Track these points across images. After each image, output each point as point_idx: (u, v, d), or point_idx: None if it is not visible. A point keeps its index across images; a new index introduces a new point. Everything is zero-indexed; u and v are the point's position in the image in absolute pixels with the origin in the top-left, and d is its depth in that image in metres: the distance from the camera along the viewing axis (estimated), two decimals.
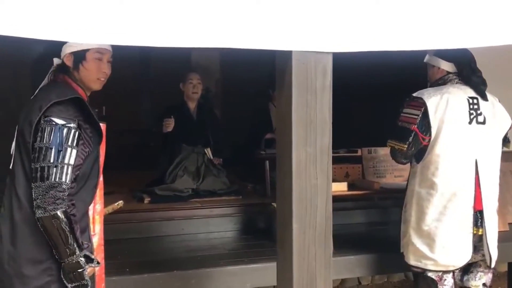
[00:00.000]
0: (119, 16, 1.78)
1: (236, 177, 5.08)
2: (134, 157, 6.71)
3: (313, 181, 2.06)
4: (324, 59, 2.07)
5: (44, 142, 1.88)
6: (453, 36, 2.16)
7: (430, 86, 3.04)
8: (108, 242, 2.37)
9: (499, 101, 3.04)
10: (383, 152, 4.23)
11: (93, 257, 1.99)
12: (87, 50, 2.08)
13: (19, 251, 1.94)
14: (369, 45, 2.10)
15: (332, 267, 2.14)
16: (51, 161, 1.86)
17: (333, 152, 2.13)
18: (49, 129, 1.89)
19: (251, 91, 6.89)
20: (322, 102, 2.07)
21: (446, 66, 2.99)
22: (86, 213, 2.05)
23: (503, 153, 3.06)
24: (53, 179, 1.85)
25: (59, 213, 1.85)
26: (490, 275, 3.05)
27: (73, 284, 1.93)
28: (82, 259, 1.93)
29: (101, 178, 2.14)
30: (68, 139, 1.90)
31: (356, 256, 3.49)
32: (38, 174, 1.87)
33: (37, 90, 2.03)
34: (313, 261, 2.08)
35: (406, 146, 2.88)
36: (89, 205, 2.08)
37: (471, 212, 2.86)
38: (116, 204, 2.57)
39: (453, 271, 2.95)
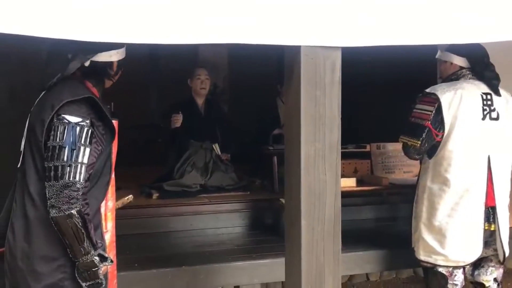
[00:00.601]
0: (128, 14, 1.78)
1: (244, 173, 5.08)
2: (142, 152, 6.73)
3: (322, 176, 2.06)
4: (333, 54, 2.06)
5: (57, 141, 1.86)
6: (464, 30, 2.14)
7: (442, 82, 3.02)
8: (117, 237, 2.35)
9: None
10: (392, 147, 4.21)
11: (106, 255, 1.99)
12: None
13: (33, 248, 1.92)
14: (378, 39, 2.08)
15: (341, 263, 2.13)
16: (65, 160, 1.84)
17: (341, 148, 2.11)
18: (62, 127, 1.87)
19: (259, 87, 6.87)
20: (331, 98, 2.06)
21: (459, 61, 2.96)
22: (98, 210, 2.04)
23: None
24: (67, 179, 1.84)
25: (73, 212, 1.84)
26: (501, 271, 3.04)
27: (88, 283, 1.92)
28: (97, 258, 1.92)
29: (113, 175, 2.13)
30: (81, 137, 1.88)
31: (365, 252, 3.48)
32: (52, 173, 1.85)
33: (48, 87, 1.98)
34: (322, 257, 2.08)
35: (419, 142, 2.86)
36: (101, 202, 2.07)
37: (483, 208, 2.84)
38: (126, 198, 2.57)
39: (464, 267, 2.94)
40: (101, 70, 2.08)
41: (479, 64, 2.92)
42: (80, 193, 1.86)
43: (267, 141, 5.25)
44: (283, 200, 3.84)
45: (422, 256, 2.99)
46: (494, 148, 2.86)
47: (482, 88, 2.88)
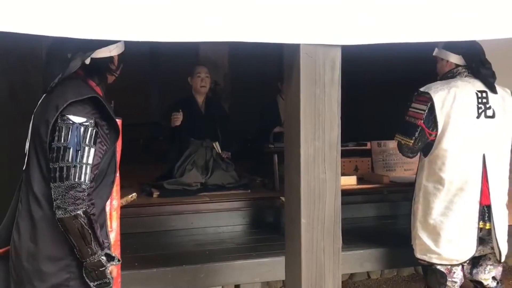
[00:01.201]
0: (128, 12, 1.77)
1: (245, 171, 5.07)
2: (143, 150, 6.72)
3: (322, 175, 2.05)
4: (332, 52, 2.05)
5: (62, 141, 1.85)
6: (462, 28, 2.13)
7: (439, 80, 3.01)
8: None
9: None
10: (393, 145, 4.20)
11: (113, 255, 1.99)
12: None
13: (39, 248, 1.92)
14: (378, 37, 2.08)
15: (341, 262, 2.12)
16: (70, 161, 1.84)
17: (342, 146, 2.11)
18: (66, 128, 1.86)
19: (260, 85, 6.89)
20: (331, 96, 2.05)
21: (455, 59, 2.95)
22: (103, 209, 2.04)
23: None
24: (72, 179, 1.83)
25: (79, 213, 1.83)
26: (500, 269, 3.03)
27: (96, 283, 1.92)
28: (104, 257, 1.92)
29: (117, 174, 2.12)
30: (86, 138, 1.87)
31: (366, 250, 3.47)
32: (57, 174, 1.84)
33: (51, 86, 1.96)
34: (322, 256, 2.07)
35: (412, 141, 2.87)
36: (106, 201, 2.07)
37: (477, 207, 2.83)
38: (129, 196, 2.56)
39: (462, 264, 2.93)
40: (102, 66, 2.06)
41: (475, 61, 2.91)
42: (86, 193, 1.86)
43: (267, 139, 5.25)
44: (283, 199, 3.84)
45: (418, 254, 2.99)
46: (489, 146, 2.84)
47: (477, 86, 2.87)
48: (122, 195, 2.50)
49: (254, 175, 5.11)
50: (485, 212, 2.85)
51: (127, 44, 2.09)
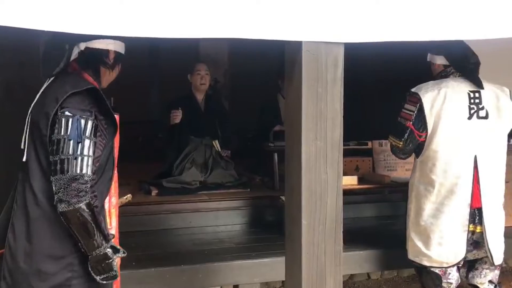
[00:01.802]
0: (128, 7, 1.74)
1: (244, 169, 5.03)
2: (142, 148, 6.68)
3: (323, 175, 2.01)
4: (335, 50, 2.02)
5: (62, 133, 1.83)
6: (468, 26, 2.09)
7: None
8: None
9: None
10: None
11: (118, 247, 1.96)
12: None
13: (36, 247, 1.88)
14: (381, 35, 2.04)
15: (342, 263, 2.09)
16: (71, 153, 1.81)
17: (343, 145, 2.07)
18: (66, 120, 1.84)
19: (260, 82, 6.82)
20: (333, 94, 2.01)
21: (440, 60, 2.90)
22: (102, 206, 2.01)
23: (510, 146, 2.98)
24: (74, 171, 1.80)
25: (83, 205, 1.80)
26: (497, 272, 2.97)
27: (102, 276, 1.89)
28: (110, 250, 1.88)
29: (115, 171, 2.10)
30: (86, 130, 1.85)
31: (366, 251, 3.44)
32: (58, 166, 1.81)
33: (49, 81, 1.96)
34: (323, 257, 2.04)
35: (401, 143, 2.83)
36: (105, 198, 2.04)
37: (467, 209, 2.77)
38: (124, 198, 2.53)
39: (457, 266, 2.89)
40: (96, 57, 2.03)
41: (459, 60, 2.84)
42: (89, 185, 1.83)
43: (267, 137, 5.20)
44: (284, 198, 3.81)
45: (410, 256, 2.96)
46: (481, 148, 2.78)
47: (469, 86, 2.80)
48: (120, 194, 2.47)
49: (254, 174, 5.07)
50: (476, 215, 2.79)
51: (127, 40, 2.05)
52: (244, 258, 3.25)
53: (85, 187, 1.81)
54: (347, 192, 2.97)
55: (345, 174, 3.77)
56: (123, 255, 1.97)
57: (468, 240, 2.81)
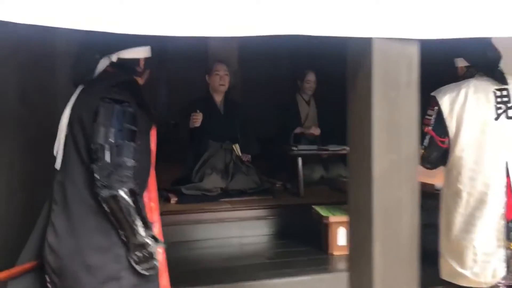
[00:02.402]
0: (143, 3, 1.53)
1: (262, 173, 4.73)
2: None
3: (397, 194, 1.74)
4: (409, 48, 1.75)
5: (104, 121, 1.86)
6: None
7: None
8: None
9: None
10: None
11: (158, 238, 1.95)
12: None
13: (82, 242, 1.88)
14: (461, 31, 1.78)
15: None
16: (113, 140, 1.84)
17: None
18: (108, 110, 1.88)
19: (271, 82, 6.64)
20: (408, 100, 1.75)
21: (461, 62, 2.68)
22: (141, 197, 1.99)
23: None
24: (117, 158, 1.83)
25: (124, 192, 1.81)
26: None
27: (143, 265, 1.88)
28: (151, 238, 1.88)
29: (153, 165, 2.10)
30: (128, 118, 1.89)
31: None
32: (100, 154, 1.83)
33: (81, 87, 2.01)
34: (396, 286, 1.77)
35: (423, 151, 2.60)
36: (145, 189, 2.03)
37: (502, 222, 2.51)
38: None
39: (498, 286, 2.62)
40: (128, 67, 2.07)
41: (478, 58, 2.59)
42: (131, 172, 1.84)
43: (288, 140, 4.96)
44: (318, 208, 3.56)
45: (444, 275, 2.67)
46: None
47: (494, 83, 2.56)
48: None
49: (273, 179, 4.81)
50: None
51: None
52: (280, 276, 2.97)
53: (129, 173, 1.83)
54: None
55: None
56: (163, 245, 1.98)
57: (508, 257, 2.53)
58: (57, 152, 2.00)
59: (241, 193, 4.21)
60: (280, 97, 5.74)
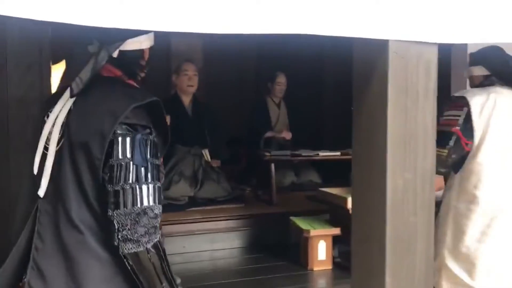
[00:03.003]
0: None
1: (229, 178, 4.47)
2: None
3: (412, 218, 1.53)
4: (428, 52, 1.55)
5: (123, 157, 1.49)
6: None
7: None
8: None
9: None
10: None
11: None
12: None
13: None
14: (482, 35, 1.60)
15: None
16: (136, 180, 1.48)
17: None
18: (128, 140, 1.50)
19: (237, 82, 6.43)
20: (425, 111, 1.54)
21: (478, 70, 2.55)
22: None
23: None
24: (143, 204, 1.47)
25: (154, 246, 1.47)
26: None
27: None
28: None
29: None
30: (151, 151, 1.52)
31: None
32: (121, 198, 1.47)
33: (82, 87, 1.54)
34: None
35: (446, 151, 2.43)
36: None
37: None
38: None
39: None
40: (132, 61, 1.66)
41: (500, 67, 2.51)
42: (159, 220, 1.50)
43: (258, 144, 4.74)
44: (296, 220, 3.34)
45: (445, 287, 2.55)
46: None
47: None
48: None
49: (242, 185, 4.58)
50: None
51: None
52: None
53: (156, 222, 1.48)
54: None
55: None
56: None
57: None
58: (39, 175, 1.61)
59: (209, 201, 3.93)
60: (246, 99, 5.53)
